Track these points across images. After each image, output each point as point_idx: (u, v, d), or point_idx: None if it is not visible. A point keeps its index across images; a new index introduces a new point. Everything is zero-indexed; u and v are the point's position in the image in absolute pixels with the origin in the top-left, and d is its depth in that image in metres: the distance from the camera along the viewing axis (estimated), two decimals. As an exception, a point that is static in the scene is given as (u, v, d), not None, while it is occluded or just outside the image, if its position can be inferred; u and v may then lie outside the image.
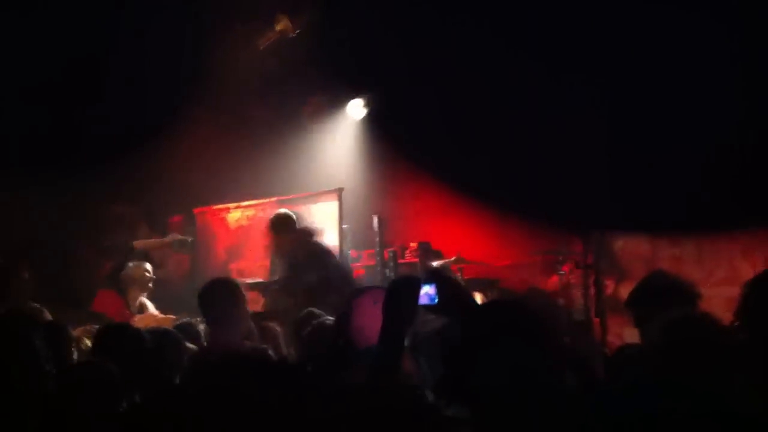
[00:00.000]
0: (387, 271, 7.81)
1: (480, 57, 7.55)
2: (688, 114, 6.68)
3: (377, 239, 7.95)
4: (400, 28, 7.66)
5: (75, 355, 3.51)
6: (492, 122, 7.83)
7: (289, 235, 6.46)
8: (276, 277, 6.61)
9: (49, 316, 3.56)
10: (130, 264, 6.78)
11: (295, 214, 6.96)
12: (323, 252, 6.52)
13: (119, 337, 3.35)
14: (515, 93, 7.43)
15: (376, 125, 8.70)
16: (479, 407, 1.93)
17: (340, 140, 8.93)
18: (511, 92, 7.46)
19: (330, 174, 8.45)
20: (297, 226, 6.55)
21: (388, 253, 7.98)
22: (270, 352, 3.82)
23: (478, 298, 6.46)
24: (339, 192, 7.75)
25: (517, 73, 7.31)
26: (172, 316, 5.68)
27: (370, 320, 3.05)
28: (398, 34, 7.68)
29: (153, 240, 7.84)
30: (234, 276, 8.09)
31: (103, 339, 3.39)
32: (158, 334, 3.64)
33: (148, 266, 6.73)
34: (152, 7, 7.37)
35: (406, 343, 2.56)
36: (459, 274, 7.66)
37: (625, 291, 6.30)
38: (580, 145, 7.12)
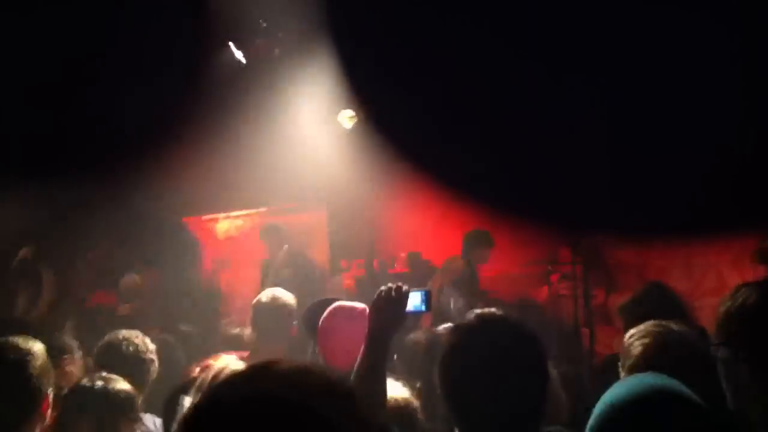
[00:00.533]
0: (376, 280, 7.79)
1: (478, 63, 7.51)
2: (687, 115, 6.66)
3: (366, 249, 7.93)
4: (394, 36, 7.62)
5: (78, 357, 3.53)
6: (487, 131, 7.79)
7: None
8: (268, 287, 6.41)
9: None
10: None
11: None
12: None
13: (120, 351, 3.34)
14: (513, 101, 7.39)
15: (365, 134, 8.67)
16: (468, 423, 1.91)
17: (330, 150, 8.91)
18: (509, 100, 7.41)
19: (319, 184, 8.43)
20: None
21: (377, 263, 7.97)
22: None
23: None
24: (328, 202, 7.74)
25: (517, 81, 7.27)
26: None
27: (344, 338, 2.99)
28: (391, 44, 7.65)
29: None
30: (222, 286, 8.07)
31: (104, 355, 3.39)
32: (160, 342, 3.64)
33: None
34: (142, 20, 7.32)
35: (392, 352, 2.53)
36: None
37: (614, 301, 6.31)
38: (577, 150, 7.08)
